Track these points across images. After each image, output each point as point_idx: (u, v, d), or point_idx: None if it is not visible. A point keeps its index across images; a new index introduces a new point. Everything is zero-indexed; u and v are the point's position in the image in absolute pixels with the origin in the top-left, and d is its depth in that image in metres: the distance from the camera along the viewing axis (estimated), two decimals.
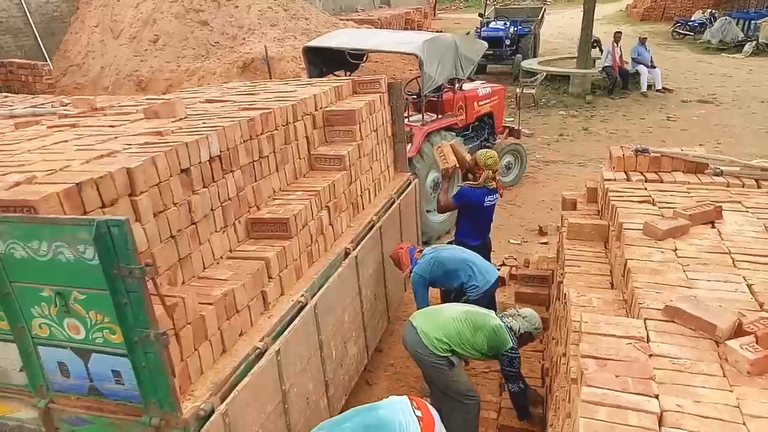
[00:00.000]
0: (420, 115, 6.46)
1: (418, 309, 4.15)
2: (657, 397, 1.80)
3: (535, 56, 15.25)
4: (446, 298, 4.42)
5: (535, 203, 7.79)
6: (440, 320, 3.48)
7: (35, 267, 2.05)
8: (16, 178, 2.22)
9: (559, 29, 21.97)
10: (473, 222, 4.76)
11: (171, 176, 2.60)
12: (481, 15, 16.32)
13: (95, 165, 2.40)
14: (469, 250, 4.28)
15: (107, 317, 2.08)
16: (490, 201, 4.69)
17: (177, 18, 11.81)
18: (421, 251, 4.26)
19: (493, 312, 3.65)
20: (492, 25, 15.36)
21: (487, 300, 4.13)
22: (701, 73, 15.10)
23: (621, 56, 13.00)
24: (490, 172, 4.59)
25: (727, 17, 18.93)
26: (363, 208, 4.39)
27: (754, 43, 17.17)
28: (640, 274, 2.58)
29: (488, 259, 4.85)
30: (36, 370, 2.29)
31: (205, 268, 2.87)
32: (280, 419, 2.85)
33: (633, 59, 13.26)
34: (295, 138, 3.78)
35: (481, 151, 4.79)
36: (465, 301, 4.04)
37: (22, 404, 2.39)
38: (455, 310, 3.58)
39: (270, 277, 3.05)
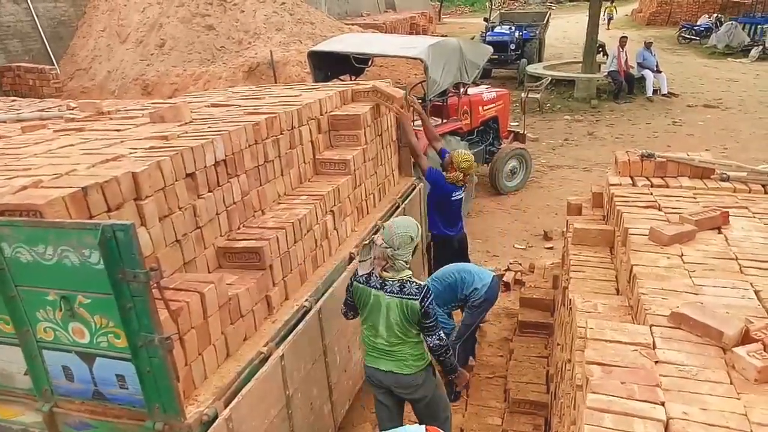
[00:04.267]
0: None
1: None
2: (663, 404, 1.79)
3: (540, 61, 15.24)
4: None
5: (540, 208, 7.77)
6: (395, 351, 2.99)
7: (40, 271, 2.05)
8: (23, 182, 2.23)
9: (565, 34, 21.99)
10: (444, 216, 4.83)
11: (176, 180, 2.60)
12: (486, 19, 16.35)
13: (101, 169, 2.40)
14: (460, 263, 4.35)
15: (112, 321, 2.08)
16: (456, 195, 4.72)
17: (183, 22, 11.88)
18: None
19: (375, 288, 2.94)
20: (497, 29, 15.37)
21: (490, 306, 4.14)
22: (707, 77, 15.05)
23: (626, 61, 12.98)
24: (461, 174, 4.61)
25: (733, 22, 18.89)
26: (368, 213, 4.39)
27: (761, 47, 17.12)
28: (646, 280, 2.57)
29: (466, 253, 5.03)
30: (40, 374, 2.29)
31: (210, 271, 2.87)
32: (283, 424, 2.84)
33: (638, 64, 13.24)
34: (300, 142, 3.79)
35: (459, 151, 4.75)
36: (469, 308, 4.04)
37: (26, 408, 2.39)
38: (385, 335, 3.00)
39: (274, 282, 3.05)
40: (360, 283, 3.00)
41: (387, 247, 2.85)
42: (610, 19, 24.16)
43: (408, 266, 2.93)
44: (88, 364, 2.20)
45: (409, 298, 2.86)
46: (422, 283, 2.95)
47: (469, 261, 4.89)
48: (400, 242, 2.84)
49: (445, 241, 4.88)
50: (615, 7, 24.74)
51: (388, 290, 2.90)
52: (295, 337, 2.94)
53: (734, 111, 12.04)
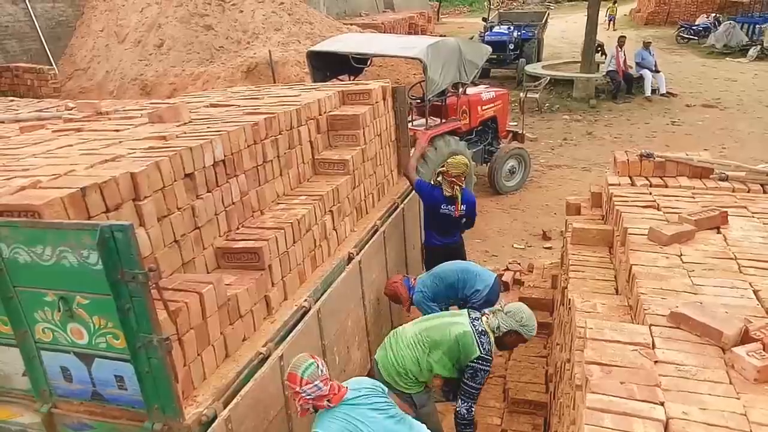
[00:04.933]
0: (424, 120, 6.46)
1: None
2: (663, 404, 1.79)
3: (538, 60, 15.25)
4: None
5: (539, 207, 7.77)
6: (397, 351, 3.17)
7: (39, 271, 2.05)
8: (21, 183, 2.23)
9: (563, 33, 21.99)
10: (435, 225, 4.68)
11: (175, 181, 2.60)
12: (484, 19, 16.35)
13: (100, 169, 2.40)
14: (462, 261, 4.29)
15: (110, 322, 2.08)
16: (445, 209, 4.49)
17: (182, 22, 11.86)
18: (415, 278, 4.25)
19: (465, 316, 3.27)
20: (496, 29, 15.37)
21: (490, 305, 4.12)
22: (705, 77, 15.06)
23: (625, 60, 12.99)
24: (443, 177, 4.45)
25: (732, 21, 18.88)
26: (367, 213, 4.39)
27: (759, 47, 17.12)
28: (645, 280, 2.57)
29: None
30: (39, 375, 2.28)
31: (208, 272, 2.86)
32: (283, 425, 2.84)
33: (637, 63, 13.24)
34: (299, 142, 3.79)
35: (449, 160, 4.56)
36: (470, 308, 4.03)
37: (24, 409, 2.39)
38: (411, 331, 3.24)
39: (273, 282, 3.04)
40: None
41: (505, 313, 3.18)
42: (611, 20, 24.02)
43: (496, 333, 3.15)
44: (86, 364, 2.20)
45: (477, 340, 3.07)
46: (493, 349, 3.14)
47: None
48: (512, 320, 3.15)
49: (435, 251, 4.74)
50: (616, 8, 24.63)
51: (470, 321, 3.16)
52: (294, 337, 2.94)
53: (733, 110, 12.05)
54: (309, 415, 2.50)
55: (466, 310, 3.40)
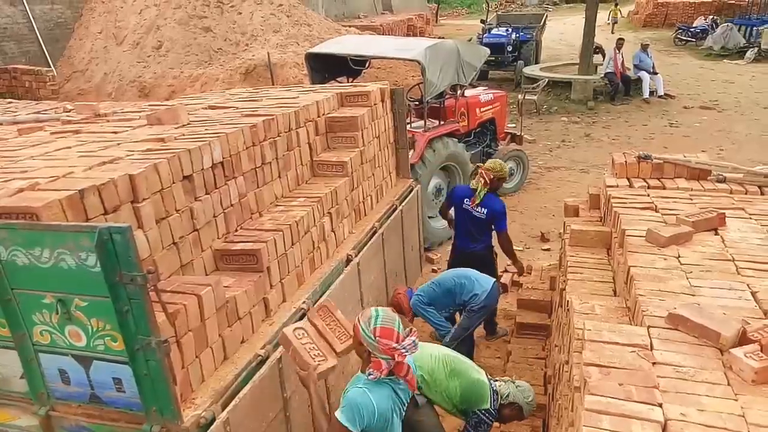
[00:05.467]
0: (422, 122, 6.46)
1: (432, 326, 4.21)
2: (661, 405, 1.79)
3: (537, 62, 15.27)
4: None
5: (537, 209, 7.77)
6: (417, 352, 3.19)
7: (37, 274, 2.05)
8: (19, 185, 2.23)
9: (561, 36, 22.02)
10: (460, 227, 4.71)
11: (173, 183, 2.60)
12: (483, 21, 16.35)
13: (98, 171, 2.40)
14: (463, 268, 4.28)
15: (109, 324, 2.07)
16: (466, 204, 4.56)
17: (180, 24, 11.86)
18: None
19: (483, 371, 3.33)
20: (494, 31, 15.39)
21: (488, 312, 4.13)
22: (703, 79, 15.10)
23: (623, 62, 13.02)
24: (478, 169, 4.54)
25: (729, 23, 18.95)
26: (365, 215, 4.39)
27: (756, 49, 17.17)
28: (643, 282, 2.57)
29: (488, 270, 4.59)
30: (37, 378, 2.28)
31: (207, 274, 2.86)
32: (281, 427, 2.83)
33: (635, 65, 13.27)
34: (297, 144, 3.79)
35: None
36: (468, 311, 4.03)
37: (22, 412, 2.38)
38: (437, 348, 3.31)
39: (272, 284, 3.04)
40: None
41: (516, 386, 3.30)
42: (615, 23, 23.77)
43: (503, 400, 3.21)
44: (84, 367, 2.20)
45: (490, 396, 3.15)
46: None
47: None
48: (520, 395, 3.25)
49: (455, 257, 4.76)
50: (619, 10, 24.41)
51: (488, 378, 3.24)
52: None
53: (730, 112, 12.07)
54: (306, 416, 2.48)
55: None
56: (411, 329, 2.36)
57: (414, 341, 2.31)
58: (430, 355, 3.18)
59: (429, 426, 3.10)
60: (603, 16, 20.77)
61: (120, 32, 12.21)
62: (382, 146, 4.77)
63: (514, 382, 3.30)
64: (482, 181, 4.44)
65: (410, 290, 4.29)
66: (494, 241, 4.78)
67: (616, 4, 24.45)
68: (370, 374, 2.28)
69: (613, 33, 21.27)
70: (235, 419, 2.40)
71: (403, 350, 2.28)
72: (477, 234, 4.65)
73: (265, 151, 3.37)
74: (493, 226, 4.60)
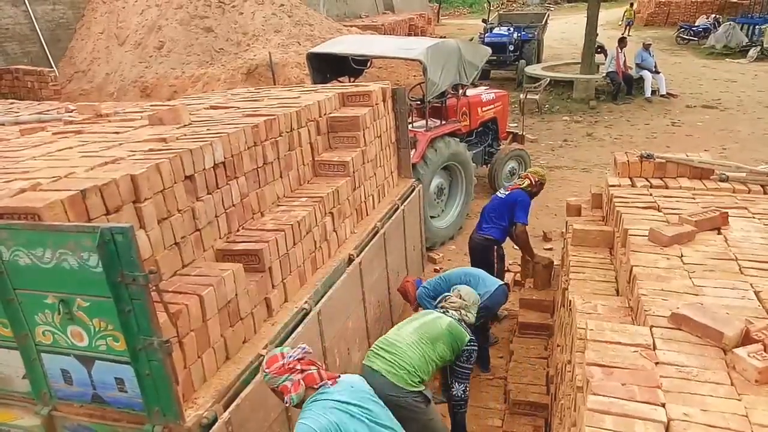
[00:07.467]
0: (424, 121, 6.46)
1: None
2: (664, 405, 1.78)
3: (538, 62, 15.25)
4: None
5: (539, 209, 7.75)
6: (400, 353, 3.11)
7: (39, 274, 2.05)
8: (21, 185, 2.23)
9: (563, 35, 21.99)
10: (481, 212, 4.96)
11: (175, 183, 2.60)
12: (484, 21, 16.33)
13: (100, 172, 2.40)
14: (473, 268, 4.37)
15: (111, 325, 2.08)
16: (500, 194, 4.88)
17: (182, 24, 11.88)
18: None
19: (436, 312, 3.42)
20: (496, 30, 15.36)
21: (489, 314, 4.14)
22: (705, 78, 15.07)
23: (625, 62, 12.99)
24: (530, 176, 4.86)
25: (732, 22, 18.89)
26: (367, 214, 4.39)
27: (759, 48, 17.12)
28: (646, 281, 2.56)
29: (484, 263, 4.77)
30: (39, 378, 2.28)
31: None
32: (283, 427, 2.84)
33: (637, 65, 13.24)
34: (299, 144, 3.79)
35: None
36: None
37: (24, 411, 2.39)
38: (407, 334, 3.23)
39: (273, 284, 3.04)
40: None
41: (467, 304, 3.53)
42: (629, 24, 22.62)
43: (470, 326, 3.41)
44: (87, 367, 2.20)
45: (463, 329, 3.30)
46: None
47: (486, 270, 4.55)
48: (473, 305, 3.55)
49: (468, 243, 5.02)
50: (633, 11, 23.66)
51: (449, 314, 3.37)
52: (294, 339, 2.94)
53: (733, 111, 12.04)
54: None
55: (434, 310, 3.54)
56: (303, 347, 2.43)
57: (303, 347, 2.40)
58: (409, 346, 3.17)
59: (437, 424, 3.16)
60: (607, 15, 20.34)
61: (122, 32, 12.23)
62: (384, 146, 4.77)
63: (454, 302, 3.48)
64: (527, 181, 4.80)
65: (419, 280, 4.35)
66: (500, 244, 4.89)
67: (632, 5, 23.57)
68: (287, 403, 2.33)
69: (630, 35, 20.34)
70: (237, 419, 2.40)
71: (291, 358, 2.35)
72: (493, 217, 4.83)
73: (266, 151, 3.37)
74: (511, 215, 4.77)
